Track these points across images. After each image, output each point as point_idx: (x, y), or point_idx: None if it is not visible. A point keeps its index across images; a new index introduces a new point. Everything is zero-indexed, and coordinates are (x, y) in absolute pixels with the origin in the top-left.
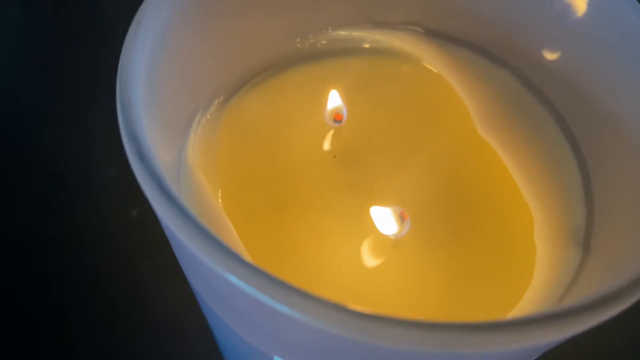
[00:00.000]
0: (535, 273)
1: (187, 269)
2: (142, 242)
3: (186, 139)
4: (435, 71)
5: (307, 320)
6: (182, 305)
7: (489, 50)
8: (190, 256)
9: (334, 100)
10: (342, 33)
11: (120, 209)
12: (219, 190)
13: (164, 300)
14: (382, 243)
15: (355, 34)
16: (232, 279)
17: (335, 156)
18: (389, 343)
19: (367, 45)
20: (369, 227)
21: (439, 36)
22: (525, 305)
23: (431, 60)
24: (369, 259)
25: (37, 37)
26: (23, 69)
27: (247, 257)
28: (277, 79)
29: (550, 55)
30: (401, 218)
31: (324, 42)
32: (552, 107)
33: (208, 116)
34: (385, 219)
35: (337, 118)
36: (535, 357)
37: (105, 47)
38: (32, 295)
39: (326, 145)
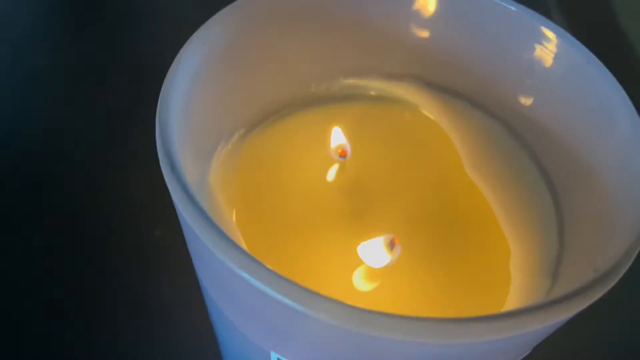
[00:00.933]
0: (509, 297)
1: (200, 266)
2: (163, 257)
3: (209, 163)
4: (432, 118)
5: (310, 313)
6: (196, 311)
7: (480, 102)
8: (205, 252)
9: (340, 138)
10: (352, 81)
11: (145, 228)
12: (234, 211)
13: (181, 308)
14: (374, 269)
15: (363, 82)
16: (245, 275)
17: (339, 187)
18: (392, 335)
19: (372, 93)
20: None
21: (437, 88)
22: None
23: (429, 108)
24: (363, 282)
25: (76, 75)
26: (64, 100)
27: None
28: (292, 118)
29: (531, 109)
30: (391, 245)
31: (335, 88)
32: (534, 154)
33: (229, 146)
34: (376, 251)
35: (342, 154)
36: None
37: (139, 86)
38: (56, 306)
39: (331, 177)
